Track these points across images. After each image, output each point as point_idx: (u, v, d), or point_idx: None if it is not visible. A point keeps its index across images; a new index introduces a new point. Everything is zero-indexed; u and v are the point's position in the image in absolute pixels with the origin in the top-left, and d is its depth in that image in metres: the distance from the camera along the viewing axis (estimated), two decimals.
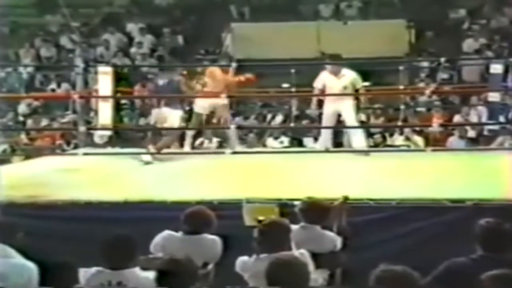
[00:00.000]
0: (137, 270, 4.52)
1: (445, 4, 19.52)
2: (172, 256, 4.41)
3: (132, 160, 9.47)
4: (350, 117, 9.84)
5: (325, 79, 10.09)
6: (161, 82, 10.18)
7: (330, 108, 10.09)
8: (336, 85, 9.91)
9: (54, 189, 7.56)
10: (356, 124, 10.01)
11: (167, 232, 5.63)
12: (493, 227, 4.43)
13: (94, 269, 4.51)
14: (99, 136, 11.39)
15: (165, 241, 5.58)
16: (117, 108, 11.41)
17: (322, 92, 10.13)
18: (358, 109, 10.35)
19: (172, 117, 9.93)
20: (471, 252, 4.38)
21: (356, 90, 10.16)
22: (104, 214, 6.98)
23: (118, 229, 5.13)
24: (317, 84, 10.16)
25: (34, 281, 4.25)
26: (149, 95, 14.36)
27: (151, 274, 4.29)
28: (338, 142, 12.97)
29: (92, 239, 4.77)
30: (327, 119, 10.22)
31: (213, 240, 5.58)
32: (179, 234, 5.57)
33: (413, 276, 3.55)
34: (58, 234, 6.93)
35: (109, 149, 10.66)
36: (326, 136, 10.30)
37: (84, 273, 4.48)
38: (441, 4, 19.39)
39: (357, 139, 9.93)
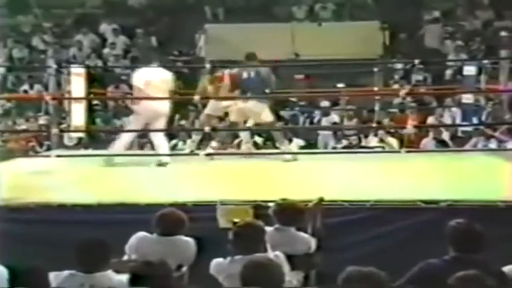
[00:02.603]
0: (110, 273, 4.49)
1: (419, 6, 19.63)
2: (146, 259, 4.38)
3: (106, 162, 9.42)
4: None
5: None
6: (245, 74, 9.55)
7: None
8: None
9: (27, 192, 7.48)
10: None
11: (141, 234, 5.61)
12: (463, 228, 4.46)
13: (66, 272, 4.47)
14: (69, 138, 11.29)
15: (139, 242, 5.56)
16: (90, 109, 11.32)
17: None
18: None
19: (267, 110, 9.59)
20: (445, 253, 4.39)
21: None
22: (77, 216, 6.92)
23: (91, 231, 5.11)
24: None
25: (3, 284, 4.19)
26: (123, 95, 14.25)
27: (124, 277, 4.25)
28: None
29: (65, 242, 4.72)
30: None
31: (187, 242, 5.57)
32: (154, 235, 5.55)
33: (380, 277, 3.56)
34: (30, 237, 6.85)
35: (82, 151, 10.57)
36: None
37: (57, 277, 4.44)
38: (415, 6, 19.50)
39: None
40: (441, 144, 13.28)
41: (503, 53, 12.13)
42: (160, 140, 9.31)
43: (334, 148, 13.82)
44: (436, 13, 19.50)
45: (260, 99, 9.45)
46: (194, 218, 6.00)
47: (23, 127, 15.47)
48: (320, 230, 6.09)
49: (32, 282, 4.14)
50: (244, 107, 9.47)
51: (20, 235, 6.78)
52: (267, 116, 9.56)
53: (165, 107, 9.35)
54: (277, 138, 10.03)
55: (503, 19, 18.78)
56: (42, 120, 14.74)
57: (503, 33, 17.30)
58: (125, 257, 5.53)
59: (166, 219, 5.62)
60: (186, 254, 5.55)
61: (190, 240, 5.59)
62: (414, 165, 8.41)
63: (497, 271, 4.15)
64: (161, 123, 9.37)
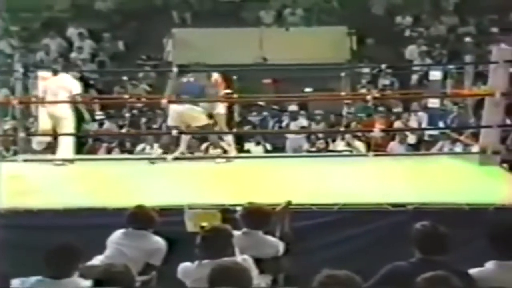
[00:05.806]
0: (77, 279, 4.46)
1: (385, 11, 19.80)
2: (110, 265, 4.38)
3: (71, 167, 9.37)
4: None
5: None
6: (185, 79, 9.76)
7: None
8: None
9: None
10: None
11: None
12: (428, 230, 4.49)
13: (34, 278, 4.44)
14: (37, 142, 11.15)
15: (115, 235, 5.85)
16: None
17: None
18: None
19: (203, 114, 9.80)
20: (412, 255, 4.42)
21: None
22: (44, 222, 6.85)
23: (59, 237, 5.04)
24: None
25: None
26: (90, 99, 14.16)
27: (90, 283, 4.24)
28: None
29: (32, 248, 4.69)
30: None
31: (157, 239, 5.86)
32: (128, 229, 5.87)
33: (355, 280, 3.57)
34: None
35: (50, 156, 10.47)
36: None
37: (23, 282, 4.40)
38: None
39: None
40: (410, 147, 13.39)
41: (467, 58, 12.27)
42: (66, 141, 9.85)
43: (304, 152, 13.85)
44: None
45: (195, 104, 9.64)
46: (162, 222, 6.02)
47: None
48: (288, 234, 6.10)
49: None
50: (182, 111, 9.57)
51: None
52: (203, 120, 9.71)
53: (65, 112, 9.88)
54: (212, 140, 10.60)
55: (467, 25, 19.01)
56: (8, 125, 14.57)
57: (467, 39, 17.55)
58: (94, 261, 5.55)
59: (137, 214, 5.94)
60: (158, 250, 5.82)
61: (160, 239, 5.84)
62: (381, 168, 8.46)
63: (462, 273, 4.18)
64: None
